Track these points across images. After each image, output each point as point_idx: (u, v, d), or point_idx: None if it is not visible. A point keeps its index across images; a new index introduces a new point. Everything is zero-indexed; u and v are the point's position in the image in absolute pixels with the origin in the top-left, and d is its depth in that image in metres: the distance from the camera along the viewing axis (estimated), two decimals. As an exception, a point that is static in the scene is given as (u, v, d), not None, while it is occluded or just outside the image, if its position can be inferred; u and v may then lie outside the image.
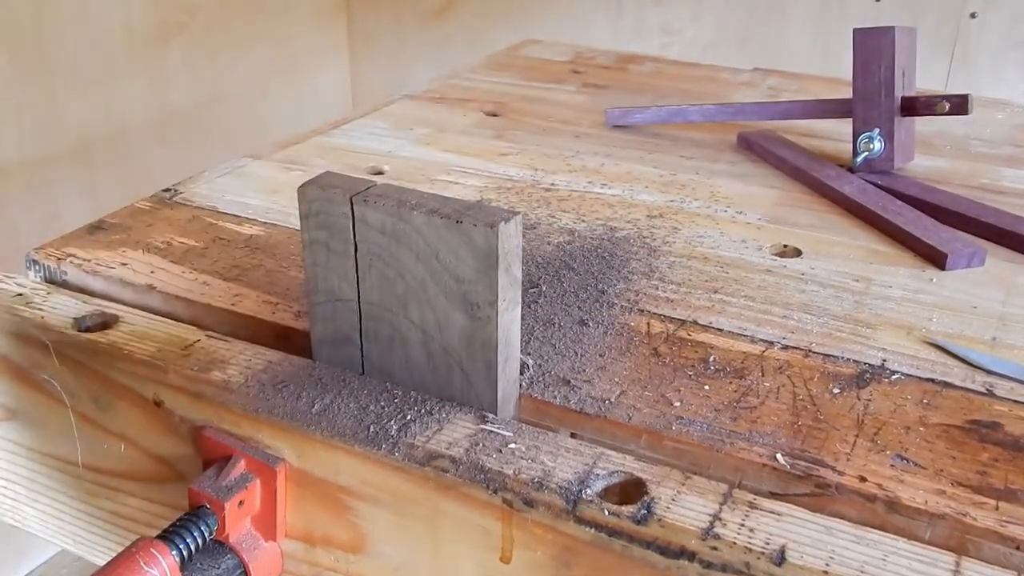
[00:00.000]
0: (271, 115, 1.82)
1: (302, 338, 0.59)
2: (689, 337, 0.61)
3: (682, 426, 0.52)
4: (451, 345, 0.51)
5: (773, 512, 0.44)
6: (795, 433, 0.52)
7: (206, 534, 0.49)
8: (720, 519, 0.44)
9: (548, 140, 0.99)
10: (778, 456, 0.50)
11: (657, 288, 0.67)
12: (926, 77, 0.98)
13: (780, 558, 0.42)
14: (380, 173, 0.89)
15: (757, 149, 0.95)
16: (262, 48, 1.77)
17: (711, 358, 0.59)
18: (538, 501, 0.45)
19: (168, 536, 0.48)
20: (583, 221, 0.78)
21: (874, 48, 0.87)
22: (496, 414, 0.51)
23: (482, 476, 0.47)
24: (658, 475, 0.46)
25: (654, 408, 0.53)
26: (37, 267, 0.69)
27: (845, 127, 0.91)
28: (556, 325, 0.62)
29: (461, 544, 0.49)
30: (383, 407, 0.51)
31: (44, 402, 0.60)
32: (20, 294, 0.63)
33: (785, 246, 0.75)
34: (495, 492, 0.46)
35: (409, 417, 0.50)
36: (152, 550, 0.47)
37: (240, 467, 0.52)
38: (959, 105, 0.86)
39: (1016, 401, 0.55)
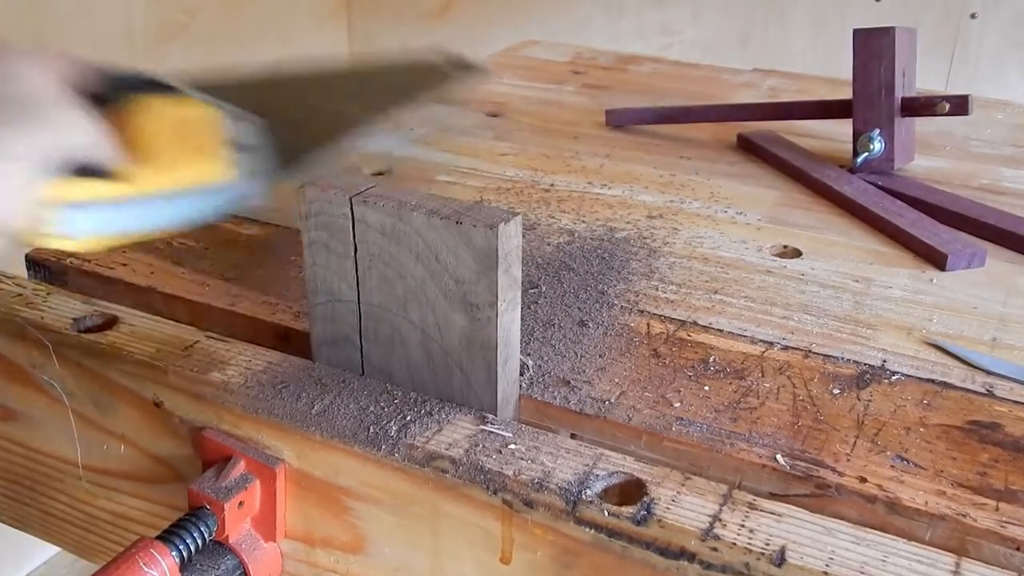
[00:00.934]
0: (271, 115, 1.81)
1: (302, 339, 0.59)
2: (689, 338, 0.61)
3: (682, 427, 0.52)
4: (451, 346, 0.51)
5: (773, 513, 0.44)
6: (795, 434, 0.52)
7: (206, 535, 0.49)
8: (720, 520, 0.44)
9: (548, 141, 0.98)
10: (778, 457, 0.50)
11: (657, 289, 0.67)
12: (926, 77, 0.98)
13: (780, 559, 0.42)
14: (380, 174, 0.89)
15: (757, 149, 0.95)
16: (262, 49, 1.77)
17: (711, 359, 0.59)
18: (538, 502, 0.45)
19: (168, 537, 0.48)
20: (583, 222, 0.78)
21: (874, 48, 0.87)
22: (496, 415, 0.51)
23: (482, 477, 0.46)
24: (658, 476, 0.46)
25: (654, 409, 0.53)
26: (37, 267, 0.69)
27: (845, 127, 0.91)
28: (556, 326, 0.62)
29: (461, 545, 0.49)
30: (383, 408, 0.51)
31: (44, 402, 0.60)
32: (20, 294, 0.63)
33: (785, 247, 0.75)
34: (495, 493, 0.46)
35: (409, 418, 0.50)
36: (152, 551, 0.47)
37: (240, 468, 0.52)
38: (959, 105, 0.86)
39: (1016, 402, 0.55)
